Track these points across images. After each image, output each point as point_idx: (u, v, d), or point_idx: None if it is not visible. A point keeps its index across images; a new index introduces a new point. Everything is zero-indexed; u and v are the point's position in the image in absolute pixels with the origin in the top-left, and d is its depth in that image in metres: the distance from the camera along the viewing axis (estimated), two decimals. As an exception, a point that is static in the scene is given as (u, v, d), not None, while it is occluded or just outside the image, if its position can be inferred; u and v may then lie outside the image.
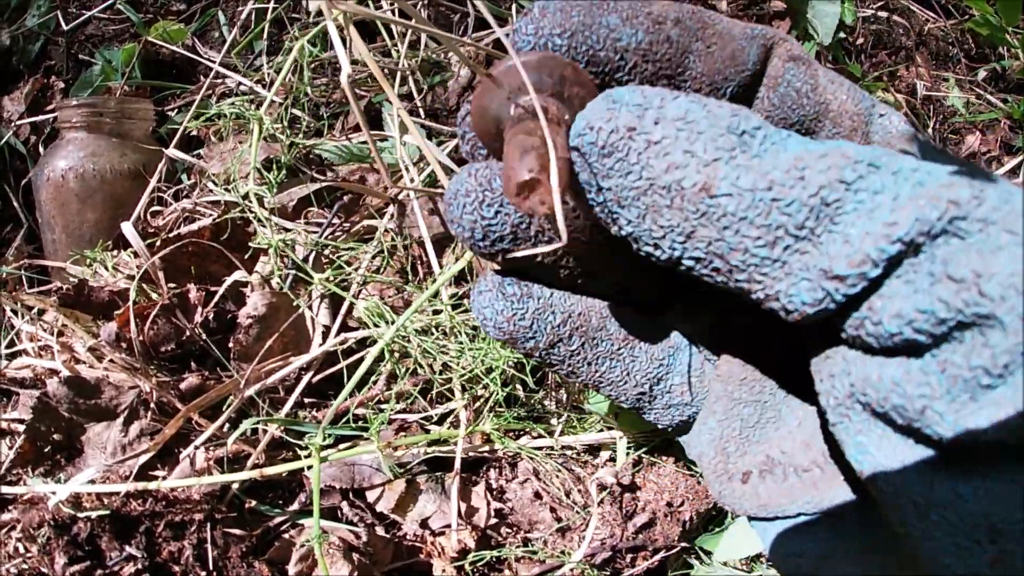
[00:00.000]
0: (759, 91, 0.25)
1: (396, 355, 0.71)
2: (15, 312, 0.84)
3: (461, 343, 0.69)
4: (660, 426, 0.27)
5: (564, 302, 0.25)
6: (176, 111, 0.96)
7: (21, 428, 0.79)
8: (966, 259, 0.16)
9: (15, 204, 0.98)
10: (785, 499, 0.23)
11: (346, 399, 0.70)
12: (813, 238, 0.18)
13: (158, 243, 0.75)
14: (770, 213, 0.18)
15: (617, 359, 0.25)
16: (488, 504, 0.70)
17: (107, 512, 0.67)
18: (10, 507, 0.76)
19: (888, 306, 0.17)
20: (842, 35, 0.95)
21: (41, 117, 0.99)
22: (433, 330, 0.72)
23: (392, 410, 0.72)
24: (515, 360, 0.68)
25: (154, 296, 0.75)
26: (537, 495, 0.71)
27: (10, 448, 0.80)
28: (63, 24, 0.99)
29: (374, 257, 0.76)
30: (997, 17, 1.13)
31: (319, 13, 0.84)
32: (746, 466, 0.24)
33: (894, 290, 0.17)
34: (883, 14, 1.06)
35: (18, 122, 0.98)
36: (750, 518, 0.25)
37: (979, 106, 1.11)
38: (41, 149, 0.97)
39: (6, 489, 0.71)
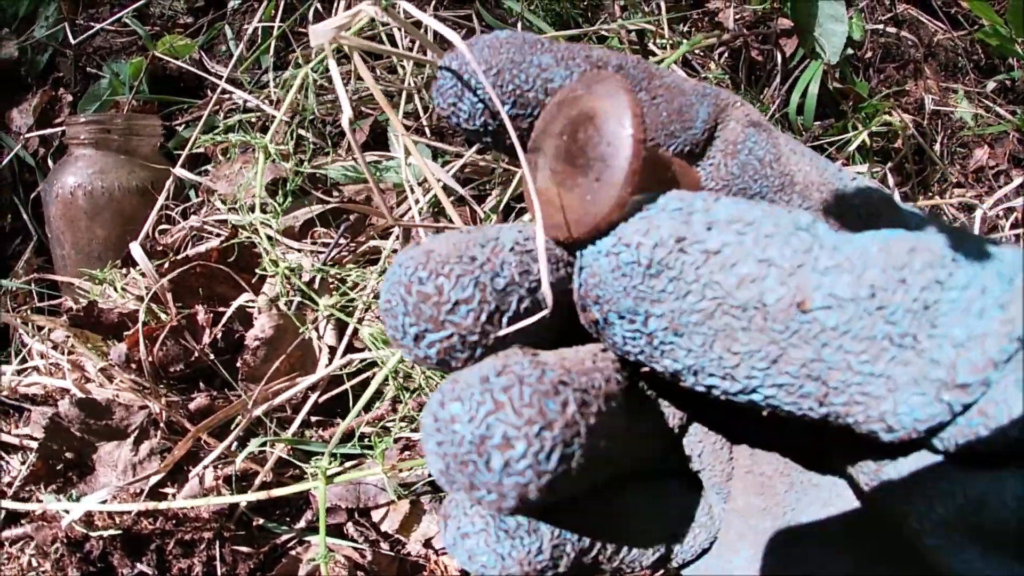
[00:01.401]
0: (713, 157, 0.23)
1: (401, 378, 0.72)
2: (25, 330, 0.86)
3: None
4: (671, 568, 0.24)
5: (574, 508, 0.20)
6: (183, 126, 0.96)
7: (32, 444, 0.81)
8: None
9: (24, 217, 0.99)
10: None
11: (351, 421, 0.71)
12: (915, 345, 0.16)
13: (167, 264, 0.76)
14: (876, 324, 0.15)
15: (635, 540, 0.21)
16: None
17: (120, 531, 0.68)
18: (22, 521, 0.78)
19: (1003, 409, 0.16)
20: (849, 51, 0.94)
21: (50, 130, 0.99)
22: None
23: (397, 432, 0.73)
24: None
25: (162, 317, 0.76)
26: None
27: (22, 463, 0.82)
28: (71, 37, 1.00)
29: (379, 280, 0.77)
30: (1007, 28, 1.12)
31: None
32: None
33: (1006, 391, 0.16)
34: (892, 29, 1.06)
35: (27, 135, 0.99)
36: None
37: (988, 119, 1.10)
38: (50, 162, 0.98)
39: (19, 506, 0.72)
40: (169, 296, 0.75)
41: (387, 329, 0.18)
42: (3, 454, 0.83)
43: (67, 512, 0.68)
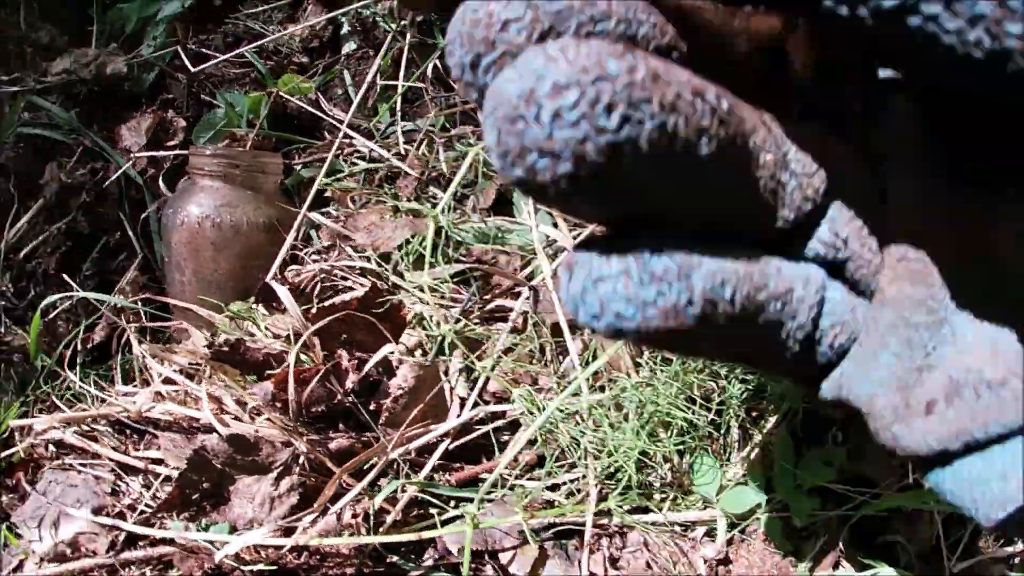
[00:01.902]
0: None
1: (543, 433, 0.79)
2: (147, 353, 0.88)
3: (600, 427, 0.77)
4: (799, 380, 0.22)
5: (723, 265, 0.17)
6: (301, 166, 1.00)
7: (156, 469, 0.84)
8: None
9: (131, 234, 1.00)
10: (981, 419, 0.19)
11: (493, 466, 0.77)
12: None
13: (313, 311, 0.81)
14: None
15: (778, 324, 0.19)
16: (606, 572, 0.79)
17: (272, 567, 0.73)
18: (140, 543, 0.81)
19: None
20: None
21: (162, 153, 1.01)
22: (561, 411, 0.80)
23: (525, 480, 0.80)
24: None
25: (303, 358, 0.81)
26: (648, 565, 0.81)
27: (143, 486, 0.85)
28: (188, 64, 1.02)
29: (510, 335, 0.84)
30: None
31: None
32: (928, 395, 0.20)
33: None
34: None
35: (137, 154, 1.01)
36: (929, 466, 0.21)
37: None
38: (162, 184, 1.00)
39: (166, 534, 0.76)
40: (316, 341, 0.80)
41: (452, 70, 0.17)
42: (123, 474, 0.86)
43: (223, 544, 0.72)
